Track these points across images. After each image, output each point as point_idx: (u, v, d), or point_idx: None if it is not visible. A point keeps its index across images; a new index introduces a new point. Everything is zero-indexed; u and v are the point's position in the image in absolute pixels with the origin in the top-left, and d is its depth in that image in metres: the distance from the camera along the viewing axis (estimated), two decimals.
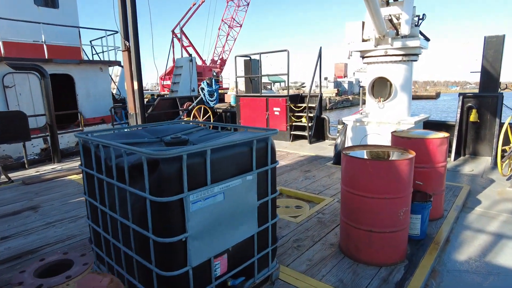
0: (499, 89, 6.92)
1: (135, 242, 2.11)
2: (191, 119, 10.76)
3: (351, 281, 2.70)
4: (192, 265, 1.97)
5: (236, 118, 10.54)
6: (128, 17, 6.58)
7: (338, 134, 7.12)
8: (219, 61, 40.14)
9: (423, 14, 5.78)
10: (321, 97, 9.24)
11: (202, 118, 11.19)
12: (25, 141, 6.60)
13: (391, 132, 4.05)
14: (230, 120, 11.85)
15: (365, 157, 3.09)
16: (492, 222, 3.86)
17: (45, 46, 10.10)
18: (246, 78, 11.01)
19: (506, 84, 7.40)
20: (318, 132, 9.38)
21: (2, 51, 9.27)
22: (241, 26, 39.82)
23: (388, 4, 5.76)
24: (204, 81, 11.27)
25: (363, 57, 6.29)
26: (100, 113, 11.55)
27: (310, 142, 9.00)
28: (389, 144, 4.73)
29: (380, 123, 5.94)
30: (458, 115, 7.00)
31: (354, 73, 64.28)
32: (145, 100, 15.22)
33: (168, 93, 16.75)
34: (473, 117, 6.86)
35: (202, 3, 34.83)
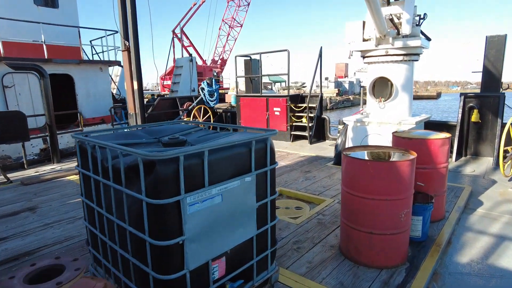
0: (501, 89, 6.87)
1: (131, 245, 2.07)
2: (191, 119, 10.74)
3: (351, 284, 2.67)
4: (189, 268, 1.93)
5: (236, 118, 10.51)
6: (128, 17, 6.55)
7: (338, 135, 7.08)
8: (219, 61, 40.13)
9: (424, 14, 5.73)
10: (321, 97, 9.20)
11: (202, 118, 11.16)
12: (24, 141, 6.57)
13: (392, 133, 4.01)
14: (231, 120, 11.82)
15: (366, 158, 3.05)
16: (494, 224, 3.82)
17: (44, 46, 10.08)
18: (246, 78, 10.97)
19: (508, 84, 7.36)
20: (319, 132, 9.34)
21: (2, 51, 9.24)
22: (241, 26, 39.80)
23: (389, 3, 5.72)
24: (204, 81, 11.24)
25: (363, 57, 6.25)
26: (100, 113, 11.52)
27: (311, 143, 8.96)
28: (390, 144, 4.69)
29: (381, 123, 5.89)
30: (460, 115, 6.96)
31: (354, 73, 64.26)
32: (145, 100, 15.21)
33: (168, 93, 16.73)
34: (474, 117, 6.82)
35: (202, 3, 34.83)
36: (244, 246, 2.30)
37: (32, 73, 9.38)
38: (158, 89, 34.28)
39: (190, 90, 13.55)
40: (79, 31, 11.36)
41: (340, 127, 7.87)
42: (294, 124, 9.38)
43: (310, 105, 9.01)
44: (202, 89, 11.16)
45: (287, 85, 9.60)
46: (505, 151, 5.47)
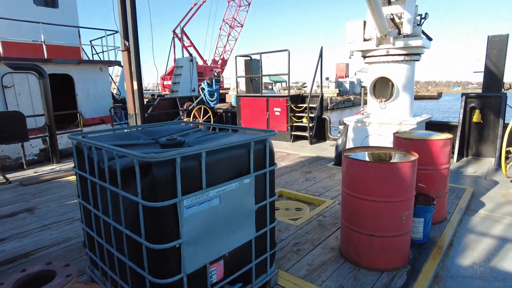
0: (503, 89, 6.82)
1: (128, 248, 2.04)
2: (191, 119, 10.70)
3: (351, 287, 2.63)
4: (186, 272, 1.90)
5: (237, 119, 10.47)
6: (128, 17, 6.52)
7: (339, 135, 7.04)
8: (220, 61, 40.11)
9: (426, 13, 5.69)
10: (322, 97, 9.16)
11: (203, 118, 11.12)
12: (23, 141, 6.54)
13: (393, 133, 3.97)
14: (231, 120, 11.78)
15: (367, 159, 3.01)
16: (496, 225, 3.78)
17: (44, 46, 10.05)
18: (246, 78, 10.93)
19: (510, 84, 7.30)
20: (319, 133, 9.30)
21: (1, 51, 9.22)
22: (242, 26, 39.77)
23: (390, 3, 5.68)
24: (205, 81, 11.20)
25: (364, 57, 6.21)
26: (100, 113, 11.50)
27: (311, 143, 8.92)
28: (391, 145, 4.65)
29: (382, 123, 5.85)
30: (461, 116, 6.91)
31: (355, 73, 64.20)
32: (145, 100, 15.18)
33: (168, 93, 16.70)
34: (476, 117, 6.77)
35: (203, 3, 34.82)
36: (242, 249, 2.27)
37: (31, 73, 9.36)
38: (159, 89, 34.27)
39: (190, 90, 13.51)
40: (79, 31, 11.34)
41: (341, 127, 7.82)
42: (294, 124, 9.34)
43: (310, 105, 8.97)
44: (203, 89, 11.12)
45: (287, 85, 9.55)
46: (507, 152, 5.42)
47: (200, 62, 35.63)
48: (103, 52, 12.71)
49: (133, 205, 1.89)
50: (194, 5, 34.48)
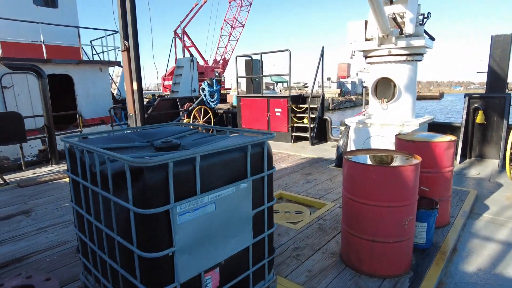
0: (507, 90, 6.73)
1: (120, 255, 1.97)
2: (191, 120, 10.64)
3: None
4: (180, 281, 1.82)
5: (237, 119, 10.40)
6: (128, 17, 6.46)
7: (340, 136, 6.96)
8: (221, 61, 40.07)
9: (428, 13, 5.60)
10: (323, 97, 9.07)
11: (203, 119, 11.06)
12: (21, 142, 6.49)
13: (395, 135, 3.89)
14: (231, 121, 11.71)
15: (368, 162, 2.93)
16: (501, 230, 3.69)
17: (43, 46, 10.00)
18: (247, 78, 10.86)
19: None
20: (320, 134, 9.21)
21: (0, 51, 9.18)
22: (243, 26, 39.72)
23: (392, 2, 5.59)
24: (205, 81, 11.13)
25: (366, 57, 6.12)
26: (100, 114, 11.44)
27: (312, 144, 8.83)
28: (393, 146, 4.56)
29: (384, 125, 5.77)
30: (464, 116, 6.81)
31: (357, 73, 64.05)
32: (146, 100, 15.13)
33: (169, 93, 16.65)
34: (479, 118, 6.67)
35: (204, 3, 34.80)
36: (239, 256, 2.19)
37: (31, 73, 9.31)
38: (160, 90, 34.26)
39: (191, 91, 13.45)
40: (78, 31, 11.29)
41: (342, 128, 7.75)
42: (295, 125, 9.26)
43: (311, 105, 8.89)
44: (203, 89, 11.05)
45: (288, 86, 9.47)
46: None
47: (202, 62, 35.60)
48: (103, 52, 12.66)
49: (125, 211, 1.82)
50: (195, 5, 34.46)
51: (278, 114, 9.28)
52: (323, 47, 8.58)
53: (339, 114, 36.82)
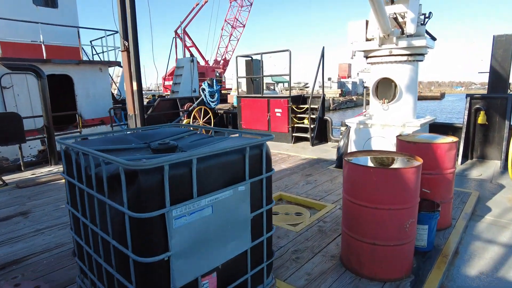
0: (509, 90, 6.68)
1: (115, 259, 1.93)
2: (191, 120, 10.60)
3: None
4: (176, 286, 1.78)
5: (237, 119, 10.37)
6: (128, 17, 6.43)
7: (341, 137, 6.91)
8: (222, 61, 40.05)
9: (430, 12, 5.55)
10: (323, 98, 9.03)
11: (203, 119, 11.02)
12: (20, 143, 6.47)
13: (396, 136, 3.85)
14: (232, 121, 11.67)
15: (369, 164, 2.89)
16: (503, 232, 3.64)
17: (43, 46, 9.98)
18: (247, 78, 10.83)
19: None
20: (321, 134, 9.17)
21: (0, 51, 9.16)
22: (244, 26, 39.69)
23: (393, 2, 5.55)
24: (205, 81, 11.09)
25: (366, 57, 6.08)
26: (100, 114, 11.41)
27: (313, 144, 8.79)
28: (394, 147, 4.52)
29: (385, 125, 5.72)
30: (466, 117, 6.76)
31: (358, 73, 63.97)
32: (146, 100, 15.10)
33: (169, 93, 16.62)
34: (481, 119, 6.63)
35: (205, 3, 34.78)
36: (237, 260, 2.15)
37: (30, 73, 9.30)
38: (161, 90, 34.26)
39: (191, 91, 13.42)
40: (78, 31, 11.26)
41: (343, 129, 7.70)
42: (295, 125, 9.22)
43: (312, 106, 8.84)
44: (203, 89, 11.01)
45: (289, 86, 9.43)
46: None
47: (202, 63, 35.59)
48: (103, 52, 12.64)
49: (120, 214, 1.78)
50: (196, 5, 34.44)
51: (278, 114, 9.24)
52: (323, 47, 8.54)
53: (340, 114, 36.77)
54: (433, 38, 5.80)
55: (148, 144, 2.49)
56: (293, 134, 9.19)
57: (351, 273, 2.82)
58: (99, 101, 11.47)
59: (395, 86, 5.73)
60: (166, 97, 17.57)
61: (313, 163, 6.79)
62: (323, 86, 9.22)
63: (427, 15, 5.51)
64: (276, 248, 3.26)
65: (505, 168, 5.97)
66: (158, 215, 1.66)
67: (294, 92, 20.00)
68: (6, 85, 9.11)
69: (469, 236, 3.58)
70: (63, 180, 6.01)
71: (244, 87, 12.60)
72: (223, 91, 32.16)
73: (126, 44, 6.68)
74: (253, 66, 10.50)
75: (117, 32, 9.45)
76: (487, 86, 7.18)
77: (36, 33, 9.76)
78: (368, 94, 6.51)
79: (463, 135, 6.71)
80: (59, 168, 6.97)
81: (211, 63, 38.55)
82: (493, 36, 6.58)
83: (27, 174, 6.52)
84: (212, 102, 11.02)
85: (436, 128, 6.90)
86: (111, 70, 13.54)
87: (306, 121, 9.05)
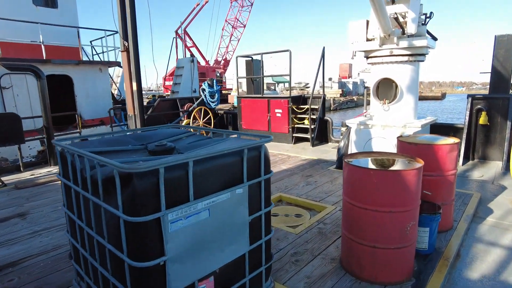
0: (510, 91, 6.63)
1: (111, 263, 1.90)
2: (191, 120, 10.57)
3: None
4: None
5: (238, 120, 10.33)
6: (127, 18, 6.40)
7: (341, 137, 6.87)
8: (222, 61, 40.03)
9: (431, 12, 5.51)
10: (324, 98, 8.99)
11: (203, 119, 10.99)
12: (19, 143, 6.43)
13: (397, 137, 3.81)
14: (232, 121, 11.64)
15: (369, 166, 2.85)
16: (506, 234, 3.60)
17: (43, 47, 9.95)
18: (248, 79, 10.79)
19: None
20: (321, 135, 9.13)
21: None
22: (244, 26, 39.67)
23: (393, 2, 5.51)
24: (205, 82, 11.06)
25: (367, 57, 6.04)
26: (99, 114, 11.39)
27: (313, 145, 8.75)
28: (394, 148, 4.48)
29: (385, 126, 5.68)
30: (467, 118, 6.72)
31: (358, 73, 63.87)
32: (147, 100, 15.08)
33: (169, 93, 16.59)
34: (482, 119, 6.58)
35: (205, 3, 34.77)
36: (235, 264, 2.12)
37: (30, 74, 9.28)
38: (161, 90, 34.25)
39: (191, 91, 13.38)
40: (78, 32, 11.24)
41: (343, 129, 7.66)
42: (296, 126, 9.18)
43: (312, 106, 8.80)
44: (203, 90, 10.98)
45: (289, 86, 9.39)
46: None
47: (203, 63, 35.58)
48: (103, 52, 12.61)
49: (115, 218, 1.75)
50: (197, 5, 34.44)
51: (278, 115, 9.21)
52: (324, 48, 8.51)
53: (340, 114, 36.73)
54: (434, 38, 5.76)
55: (145, 145, 2.46)
56: (293, 135, 9.15)
57: (351, 276, 2.78)
58: (99, 102, 11.44)
59: (396, 86, 5.69)
60: (166, 97, 17.55)
61: (313, 164, 6.75)
62: (323, 86, 9.18)
63: (428, 15, 5.47)
64: (275, 250, 3.22)
65: (506, 169, 5.92)
66: (153, 219, 1.62)
67: (295, 92, 19.96)
68: (5, 86, 9.09)
69: (470, 238, 3.54)
70: None
71: (244, 87, 12.56)
72: (223, 91, 32.15)
73: (126, 45, 6.65)
74: (253, 66, 10.46)
75: (117, 32, 9.43)
76: (488, 86, 7.13)
77: (36, 33, 9.74)
78: (368, 95, 6.47)
79: (464, 136, 6.66)
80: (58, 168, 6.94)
81: (211, 63, 38.53)
82: (495, 36, 6.53)
83: (26, 175, 6.49)
84: (212, 102, 10.98)
85: (437, 128, 6.86)
86: (111, 70, 13.53)
87: (306, 121, 9.01)
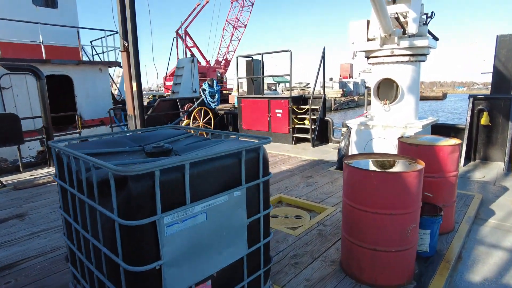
0: None
1: (106, 266, 1.87)
2: (191, 121, 10.54)
3: None
4: None
5: (238, 120, 10.30)
6: (127, 18, 6.37)
7: (342, 138, 6.83)
8: (223, 61, 40.03)
9: (432, 12, 5.48)
10: (324, 98, 8.95)
11: (203, 120, 10.96)
12: (18, 144, 6.41)
13: (398, 138, 3.77)
14: (232, 122, 11.61)
15: (369, 167, 2.82)
16: (508, 236, 3.56)
17: (43, 47, 9.93)
18: (248, 79, 10.76)
19: None
20: (322, 135, 9.09)
21: None
22: (245, 26, 39.67)
23: (394, 1, 5.47)
24: (206, 82, 11.03)
25: (368, 58, 6.00)
26: (99, 115, 11.37)
27: (313, 145, 8.71)
28: (395, 149, 4.44)
29: (386, 126, 5.64)
30: (469, 118, 6.67)
31: (359, 73, 63.82)
32: (147, 101, 15.06)
33: (170, 94, 16.57)
34: (484, 120, 6.53)
35: (206, 3, 34.77)
36: (233, 267, 2.09)
37: (29, 74, 9.27)
38: (162, 90, 34.25)
39: (191, 91, 13.36)
40: (78, 32, 11.22)
41: (344, 129, 7.62)
42: (296, 126, 9.14)
43: (313, 106, 8.77)
44: (204, 90, 10.95)
45: (289, 86, 9.36)
46: None
47: (203, 63, 35.57)
48: (103, 52, 12.59)
49: (110, 221, 1.72)
50: (197, 5, 34.43)
51: (279, 115, 9.17)
52: (324, 48, 8.47)
53: (341, 114, 36.68)
54: (435, 38, 5.73)
55: (142, 147, 2.43)
56: (294, 135, 9.12)
57: (351, 279, 2.75)
58: (99, 102, 11.42)
59: (397, 86, 5.65)
60: (166, 97, 17.53)
61: (314, 165, 6.71)
62: (324, 87, 9.15)
63: (429, 15, 5.44)
64: (275, 252, 3.19)
65: (508, 170, 5.88)
66: (149, 223, 1.59)
67: (296, 93, 19.93)
68: (5, 86, 9.07)
69: (472, 240, 3.50)
70: None
71: (245, 88, 12.54)
72: (224, 92, 32.14)
73: (126, 45, 6.62)
74: (254, 67, 10.43)
75: (117, 32, 9.41)
76: (489, 86, 7.09)
77: (36, 34, 9.72)
78: (369, 95, 6.44)
79: (465, 136, 6.62)
80: None
81: (212, 63, 38.52)
82: (497, 36, 6.49)
83: (25, 175, 6.47)
84: (213, 102, 10.95)
85: (438, 129, 6.82)
86: (111, 70, 13.50)
87: (307, 121, 8.97)
